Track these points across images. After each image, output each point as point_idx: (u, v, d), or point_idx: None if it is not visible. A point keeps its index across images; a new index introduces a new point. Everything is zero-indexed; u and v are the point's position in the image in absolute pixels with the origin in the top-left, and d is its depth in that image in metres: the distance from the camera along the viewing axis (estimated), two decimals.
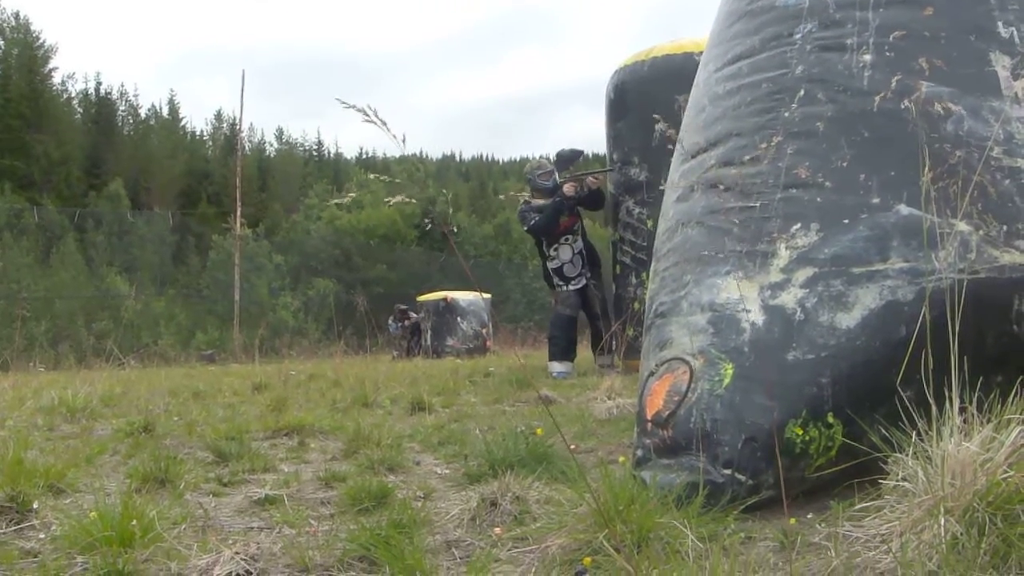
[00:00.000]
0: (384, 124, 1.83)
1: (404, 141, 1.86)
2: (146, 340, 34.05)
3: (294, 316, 39.37)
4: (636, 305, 7.46)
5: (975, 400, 2.02)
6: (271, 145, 63.73)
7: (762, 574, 1.67)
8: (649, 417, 2.49)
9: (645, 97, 7.78)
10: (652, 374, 2.58)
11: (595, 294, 8.61)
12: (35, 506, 2.67)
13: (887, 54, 2.60)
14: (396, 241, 44.50)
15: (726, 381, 2.37)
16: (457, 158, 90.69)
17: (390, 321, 22.87)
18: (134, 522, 2.16)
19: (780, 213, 2.54)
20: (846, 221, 2.45)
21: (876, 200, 2.45)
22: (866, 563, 1.79)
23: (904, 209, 2.41)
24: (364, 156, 73.08)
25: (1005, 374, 2.33)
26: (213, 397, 8.33)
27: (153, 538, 2.17)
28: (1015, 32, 2.56)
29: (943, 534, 1.76)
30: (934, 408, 1.99)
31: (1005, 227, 2.39)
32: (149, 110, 56.08)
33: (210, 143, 58.02)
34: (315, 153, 65.75)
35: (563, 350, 8.35)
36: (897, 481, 1.97)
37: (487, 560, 2.03)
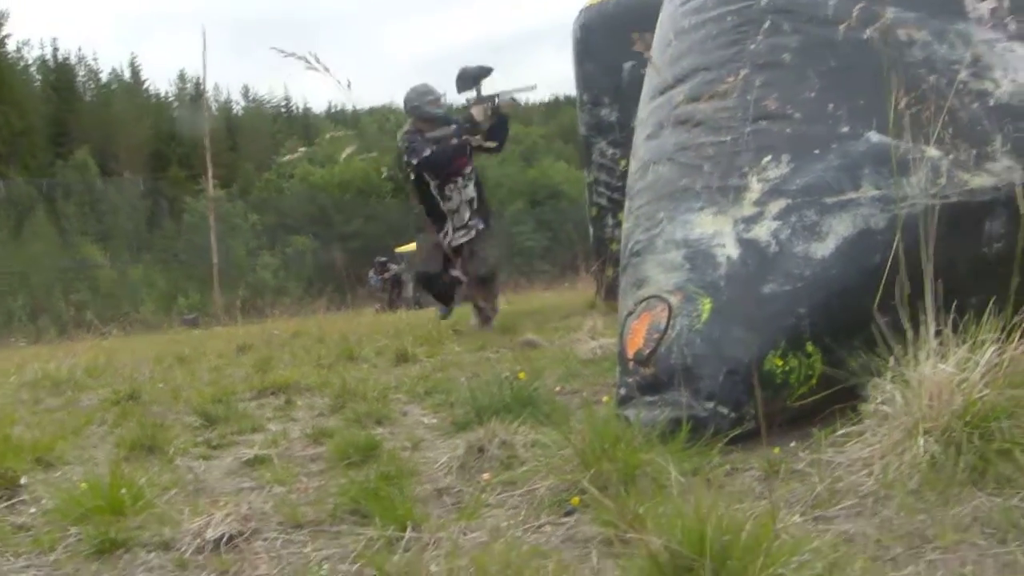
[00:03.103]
0: (327, 70, 1.82)
1: (349, 86, 1.85)
2: (126, 308, 33.88)
3: (274, 275, 39.24)
4: (614, 246, 7.47)
5: (950, 323, 2.04)
6: (238, 103, 62.90)
7: (747, 503, 1.70)
8: (630, 356, 2.51)
9: (612, 36, 7.70)
10: (631, 313, 2.59)
11: (481, 252, 7.46)
12: (23, 481, 2.68)
13: None
14: (371, 194, 44.16)
15: (704, 316, 2.39)
16: None
17: (370, 274, 22.84)
18: (124, 490, 2.17)
19: (750, 146, 2.54)
20: (817, 151, 2.46)
21: (846, 129, 2.45)
22: (849, 487, 1.82)
23: (874, 137, 2.42)
24: (333, 110, 72.29)
25: (978, 296, 2.35)
26: (197, 361, 8.32)
27: (144, 505, 2.18)
28: None
29: (923, 454, 1.80)
30: (910, 332, 2.01)
31: (975, 151, 2.41)
32: (110, 74, 55.08)
33: (176, 104, 57.21)
34: (284, 109, 65.00)
35: (442, 297, 7.75)
36: (876, 405, 2.00)
37: (477, 505, 2.06)
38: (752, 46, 2.65)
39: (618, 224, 7.46)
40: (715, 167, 2.58)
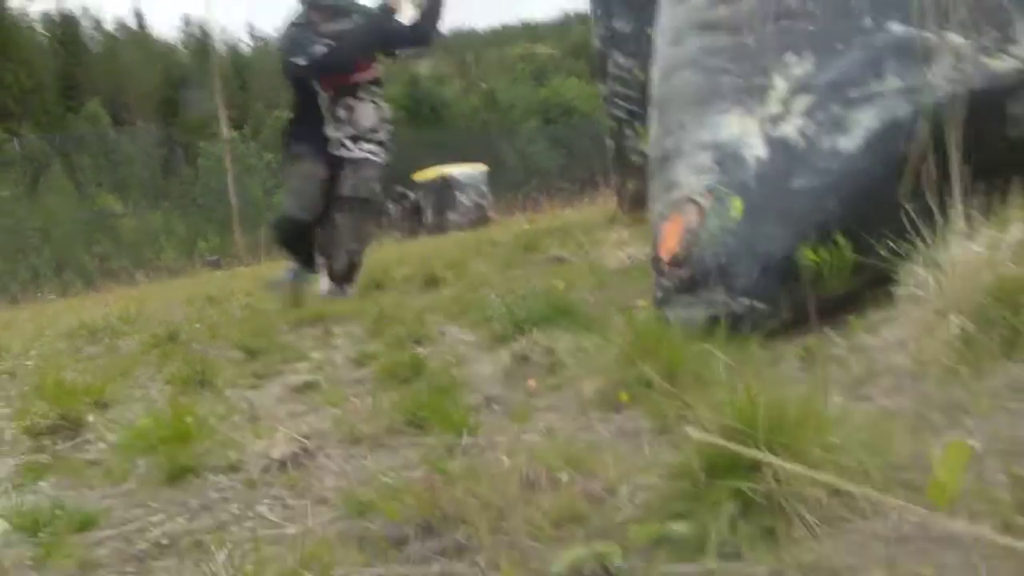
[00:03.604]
0: None
1: None
2: (148, 255, 34.33)
3: None
4: (634, 158, 7.47)
5: (977, 205, 2.08)
6: (245, 43, 62.38)
7: (792, 387, 1.77)
8: (665, 258, 2.57)
9: None
10: (663, 216, 2.64)
11: (352, 223, 5.52)
12: (89, 419, 2.80)
13: None
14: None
15: (736, 215, 2.43)
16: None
17: (389, 204, 23.01)
18: (189, 419, 2.26)
19: (773, 45, 2.55)
20: (840, 46, 2.47)
21: (868, 21, 2.46)
22: (885, 367, 1.89)
23: (897, 27, 2.43)
24: None
25: (1005, 177, 2.38)
26: (228, 300, 8.46)
27: (208, 432, 2.28)
28: None
29: (956, 332, 1.85)
30: (939, 217, 2.05)
31: (997, 34, 2.41)
32: (115, 24, 54.72)
33: (184, 49, 56.85)
34: None
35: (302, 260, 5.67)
36: (909, 289, 2.05)
37: (527, 410, 2.14)
38: None
39: (637, 136, 7.45)
40: (740, 68, 2.60)
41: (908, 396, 1.68)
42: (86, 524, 1.82)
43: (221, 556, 1.54)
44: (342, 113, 5.41)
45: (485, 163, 23.01)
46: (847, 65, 2.44)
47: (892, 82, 2.40)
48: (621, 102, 7.83)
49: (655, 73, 3.04)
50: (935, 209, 2.10)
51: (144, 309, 9.02)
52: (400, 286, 6.55)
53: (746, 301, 2.36)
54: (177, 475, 2.05)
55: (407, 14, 5.39)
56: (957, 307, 1.89)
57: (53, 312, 11.57)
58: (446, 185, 17.73)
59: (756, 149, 2.47)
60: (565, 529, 1.32)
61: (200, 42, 53.52)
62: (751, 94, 2.54)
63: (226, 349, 4.34)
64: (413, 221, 20.07)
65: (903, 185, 2.26)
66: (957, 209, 2.08)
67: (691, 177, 2.58)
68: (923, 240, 2.10)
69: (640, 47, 7.38)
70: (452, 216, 17.46)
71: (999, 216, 2.05)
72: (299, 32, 5.36)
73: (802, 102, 2.46)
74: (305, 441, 2.09)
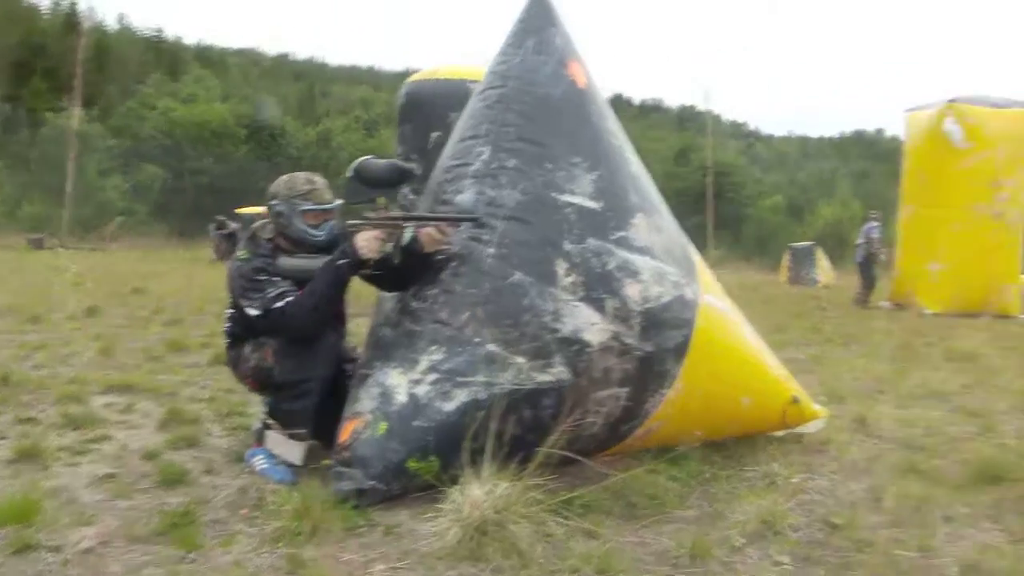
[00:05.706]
0: None
1: None
2: None
3: (122, 196, 38.59)
4: None
5: (495, 463, 3.59)
6: (111, 26, 60.07)
7: (359, 552, 3.23)
8: (339, 443, 3.97)
9: (427, 108, 9.34)
10: (345, 417, 4.05)
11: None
12: None
13: (503, 251, 4.10)
14: (225, 137, 43.54)
15: (380, 432, 3.87)
16: (290, 58, 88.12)
17: (211, 228, 24.41)
18: (27, 506, 3.45)
19: (428, 338, 4.03)
20: (459, 349, 3.97)
21: (477, 340, 3.98)
22: (415, 549, 3.36)
23: (491, 347, 3.96)
24: (202, 46, 69.97)
25: (536, 435, 3.90)
26: (49, 324, 9.19)
27: (42, 517, 3.46)
28: (573, 247, 4.12)
29: (451, 538, 3.35)
30: (469, 469, 3.56)
31: (543, 361, 3.99)
32: None
33: (49, 16, 54.23)
34: (155, 40, 62.29)
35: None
36: (446, 503, 3.54)
37: (233, 535, 3.47)
38: (443, 276, 4.14)
39: None
40: (409, 343, 4.06)
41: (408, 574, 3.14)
42: None
43: None
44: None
45: None
46: (460, 361, 3.95)
47: (481, 378, 3.92)
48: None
49: (375, 318, 4.48)
50: (485, 457, 3.61)
51: None
52: (195, 352, 7.70)
53: (372, 483, 3.79)
54: (21, 549, 3.20)
55: (372, 250, 4.12)
56: (461, 525, 3.39)
57: None
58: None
59: (401, 396, 3.93)
60: None
61: (68, 15, 51.33)
62: (409, 362, 4.01)
63: (48, 405, 5.41)
64: (225, 247, 21.45)
65: (471, 438, 3.76)
66: (485, 465, 3.59)
67: (367, 400, 4.02)
68: (466, 477, 3.59)
69: (424, 187, 8.92)
70: None
71: (509, 474, 3.56)
72: (256, 262, 4.15)
73: (431, 376, 3.94)
74: (104, 536, 3.33)
